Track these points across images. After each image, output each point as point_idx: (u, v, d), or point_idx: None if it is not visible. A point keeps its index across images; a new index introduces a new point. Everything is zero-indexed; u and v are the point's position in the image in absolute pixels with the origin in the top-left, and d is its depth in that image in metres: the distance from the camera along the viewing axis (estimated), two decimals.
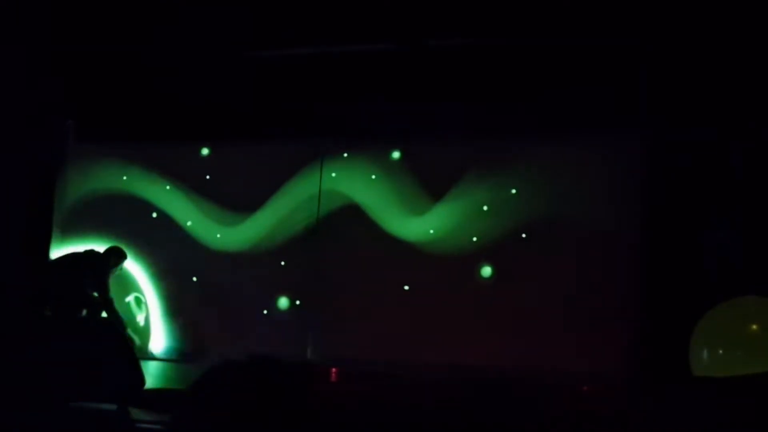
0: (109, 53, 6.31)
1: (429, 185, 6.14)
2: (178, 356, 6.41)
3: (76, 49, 6.19)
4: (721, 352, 4.17)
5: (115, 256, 6.12)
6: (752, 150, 5.09)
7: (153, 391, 3.21)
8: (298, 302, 6.34)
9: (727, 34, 5.08)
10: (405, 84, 5.94)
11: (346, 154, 6.40)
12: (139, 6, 5.96)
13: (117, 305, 6.72)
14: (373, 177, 6.29)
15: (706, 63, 5.27)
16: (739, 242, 5.04)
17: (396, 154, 6.29)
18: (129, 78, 6.48)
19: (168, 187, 6.80)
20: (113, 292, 6.60)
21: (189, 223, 6.74)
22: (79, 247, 6.40)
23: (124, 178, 6.92)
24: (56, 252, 6.81)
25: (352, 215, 6.26)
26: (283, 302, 6.36)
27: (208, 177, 6.66)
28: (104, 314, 5.88)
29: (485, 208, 6.00)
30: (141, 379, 2.89)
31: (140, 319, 6.68)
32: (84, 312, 5.78)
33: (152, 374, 4.84)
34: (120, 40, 6.17)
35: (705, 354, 4.32)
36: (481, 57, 5.82)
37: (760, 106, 5.07)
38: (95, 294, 5.87)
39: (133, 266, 6.80)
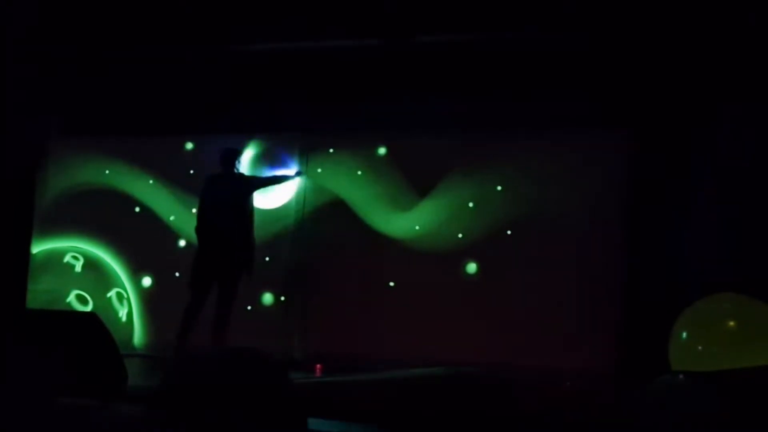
0: (92, 47, 6.25)
1: (415, 181, 6.14)
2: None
3: (60, 44, 6.11)
4: (700, 348, 4.22)
5: (230, 159, 5.70)
6: (736, 148, 5.14)
7: (136, 387, 3.19)
8: (282, 298, 6.32)
9: (717, 39, 5.12)
10: (391, 80, 5.93)
11: (331, 150, 6.38)
12: (123, 1, 5.90)
13: (98, 301, 6.70)
14: (359, 173, 6.28)
15: (689, 64, 5.32)
16: (721, 240, 5.09)
17: (382, 150, 6.28)
18: (112, 71, 6.42)
19: (151, 182, 6.75)
20: (95, 287, 6.55)
21: (172, 218, 6.69)
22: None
23: (107, 172, 6.86)
24: (37, 246, 6.74)
25: (338, 211, 6.25)
26: (268, 298, 6.33)
27: (192, 171, 6.61)
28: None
29: (471, 204, 6.01)
30: (124, 373, 2.86)
31: (122, 314, 6.63)
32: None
33: (134, 370, 4.80)
34: (104, 34, 6.11)
35: (683, 350, 4.37)
36: (468, 53, 5.82)
37: (745, 105, 5.12)
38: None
39: (114, 261, 6.76)
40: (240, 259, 5.51)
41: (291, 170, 6.25)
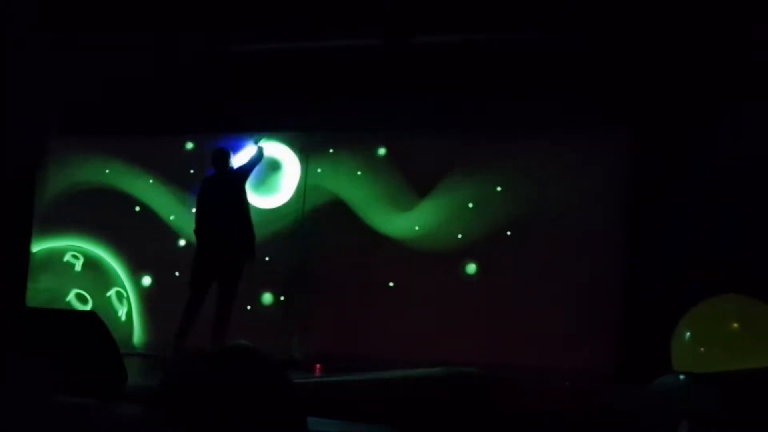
0: (92, 47, 6.24)
1: (414, 182, 6.14)
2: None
3: (60, 44, 6.11)
4: (702, 349, 4.21)
5: (221, 158, 5.74)
6: (736, 148, 5.14)
7: (135, 387, 3.18)
8: (282, 298, 6.32)
9: (717, 39, 5.12)
10: (391, 80, 5.93)
11: (331, 150, 6.38)
12: (123, 2, 5.90)
13: (98, 300, 6.70)
14: (359, 173, 6.27)
15: (689, 63, 5.31)
16: (721, 240, 5.09)
17: (382, 151, 6.28)
18: (112, 71, 6.41)
19: (151, 181, 6.75)
20: (95, 287, 6.55)
21: (172, 218, 6.69)
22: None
23: (107, 171, 6.85)
24: (37, 245, 6.74)
25: (337, 211, 6.24)
26: (268, 298, 6.33)
27: (192, 171, 6.61)
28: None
29: (470, 205, 6.01)
30: (124, 373, 2.86)
31: (122, 313, 6.63)
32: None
33: (134, 370, 4.80)
34: (104, 34, 6.10)
35: (686, 351, 4.36)
36: (468, 54, 5.82)
37: (745, 105, 5.12)
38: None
39: (114, 260, 6.75)
40: (241, 251, 5.51)
41: (253, 147, 6.08)
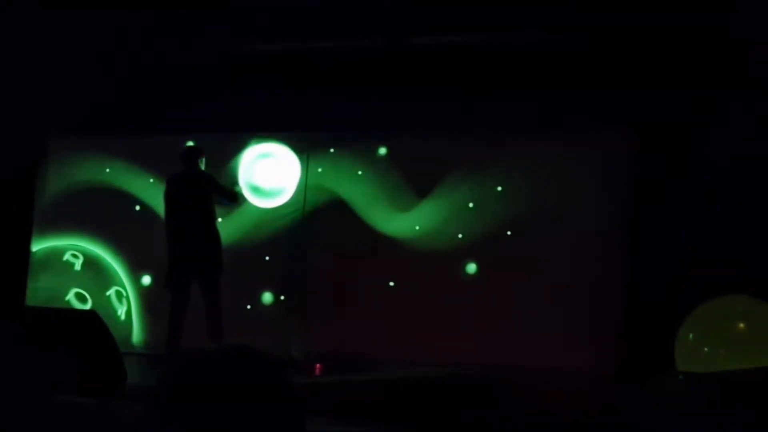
0: (92, 44, 6.24)
1: (415, 182, 6.13)
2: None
3: (61, 41, 6.11)
4: (706, 349, 4.20)
5: (190, 157, 5.69)
6: (737, 148, 5.14)
7: (134, 385, 3.19)
8: (282, 298, 6.32)
9: (717, 38, 5.12)
10: (391, 80, 5.93)
11: (332, 150, 6.38)
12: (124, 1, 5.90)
13: (97, 299, 6.70)
14: (360, 173, 6.27)
15: (689, 63, 5.32)
16: (721, 240, 5.09)
17: (382, 150, 6.27)
18: (112, 70, 6.41)
19: (151, 180, 6.74)
20: (94, 286, 6.54)
21: None
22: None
23: (107, 170, 6.85)
24: (37, 244, 6.74)
25: (338, 211, 6.24)
26: (267, 297, 6.33)
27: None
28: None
29: (471, 205, 6.00)
30: (123, 372, 2.86)
31: (121, 312, 6.63)
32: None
33: (133, 368, 4.80)
34: (104, 31, 6.10)
35: (690, 351, 4.37)
36: (468, 54, 5.82)
37: (745, 104, 5.12)
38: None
39: (114, 260, 6.75)
40: (209, 258, 5.48)
41: (236, 194, 5.91)
